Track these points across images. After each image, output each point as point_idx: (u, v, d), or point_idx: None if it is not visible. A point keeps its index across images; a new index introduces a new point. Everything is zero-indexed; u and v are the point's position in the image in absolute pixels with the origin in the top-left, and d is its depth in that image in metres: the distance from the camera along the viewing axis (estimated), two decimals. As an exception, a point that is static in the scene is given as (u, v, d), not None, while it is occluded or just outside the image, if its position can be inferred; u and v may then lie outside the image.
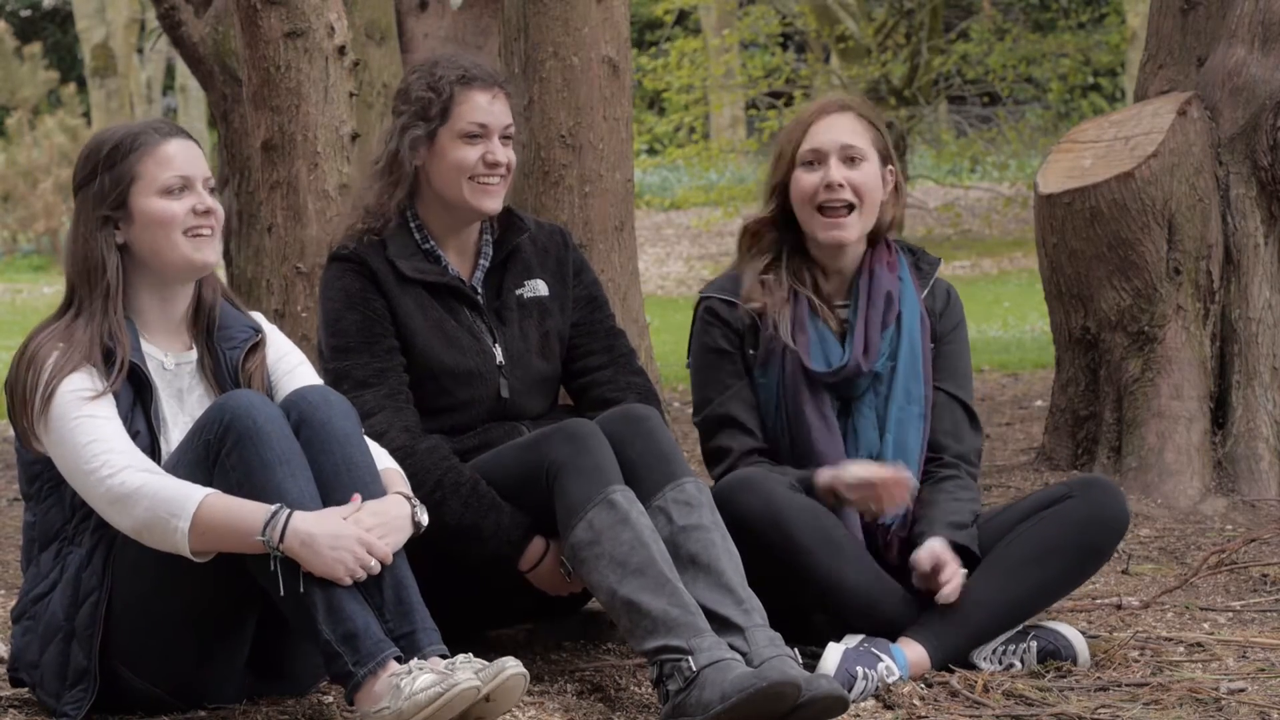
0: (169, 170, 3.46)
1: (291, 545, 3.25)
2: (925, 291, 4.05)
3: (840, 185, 3.92)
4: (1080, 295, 5.82)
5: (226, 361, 3.55)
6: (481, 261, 3.99)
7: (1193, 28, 6.02)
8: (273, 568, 3.25)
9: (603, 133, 5.47)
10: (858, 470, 3.82)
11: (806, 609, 3.87)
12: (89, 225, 3.45)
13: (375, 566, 3.30)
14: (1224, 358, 5.81)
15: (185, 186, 3.47)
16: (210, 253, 3.49)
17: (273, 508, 3.26)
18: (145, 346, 3.49)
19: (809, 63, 22.21)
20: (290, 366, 3.63)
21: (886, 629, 3.77)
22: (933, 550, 3.77)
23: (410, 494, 3.46)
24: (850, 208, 3.93)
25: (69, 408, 3.35)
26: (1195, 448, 5.66)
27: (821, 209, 3.94)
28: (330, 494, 3.37)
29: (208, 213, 3.47)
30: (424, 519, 3.42)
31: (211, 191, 3.52)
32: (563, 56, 5.43)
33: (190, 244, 3.47)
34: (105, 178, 3.45)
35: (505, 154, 3.90)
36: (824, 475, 3.85)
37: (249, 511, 3.27)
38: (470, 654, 3.28)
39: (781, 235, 4.03)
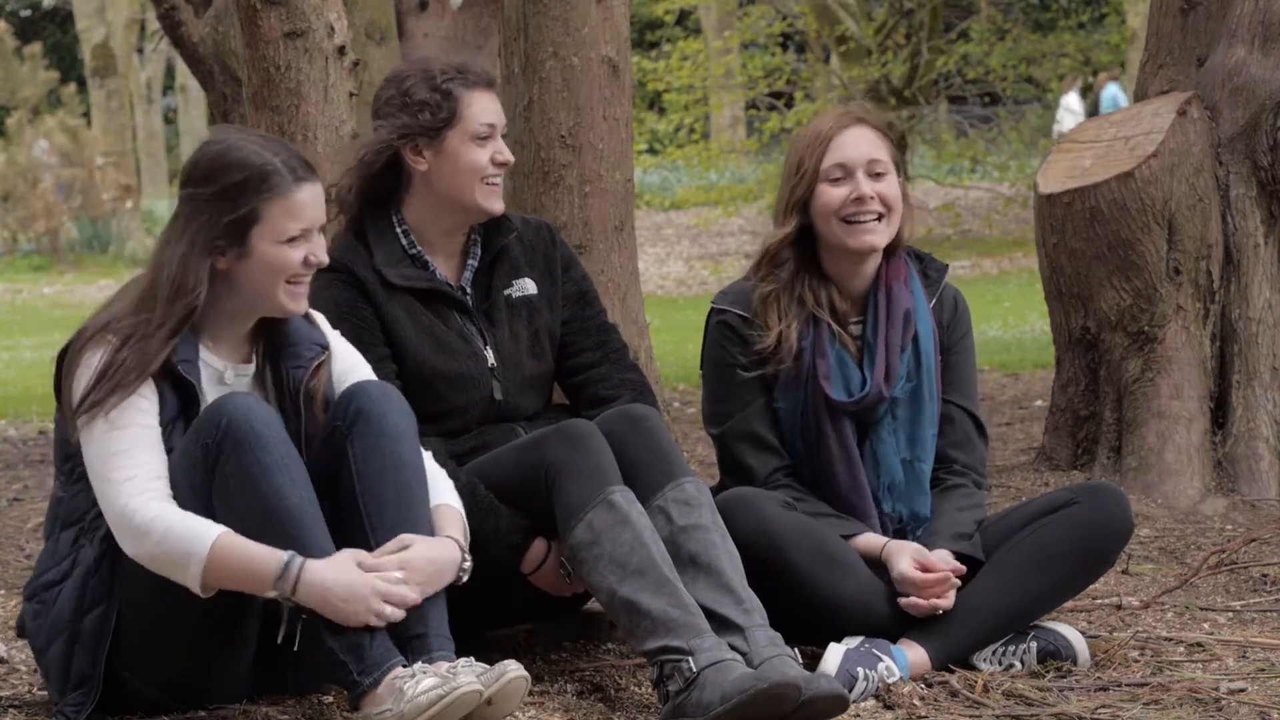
0: (297, 222, 3.38)
1: (304, 598, 3.23)
2: (934, 300, 4.02)
3: (871, 198, 3.90)
4: (1080, 295, 5.82)
5: (289, 380, 3.49)
6: (470, 262, 3.98)
7: (1193, 28, 6.02)
8: (285, 617, 3.25)
9: (603, 133, 5.46)
10: (906, 569, 3.77)
11: (807, 622, 3.85)
12: (195, 243, 3.36)
13: (397, 615, 3.27)
14: (1224, 358, 5.81)
15: (305, 236, 3.41)
16: (303, 302, 3.44)
17: (285, 556, 3.23)
18: (205, 355, 3.44)
19: (809, 63, 22.21)
20: (359, 379, 3.54)
21: (887, 635, 3.76)
22: (929, 558, 3.78)
23: (464, 540, 3.41)
24: (879, 217, 3.92)
25: (109, 412, 3.31)
26: (1195, 448, 5.66)
27: (848, 219, 3.92)
28: (370, 489, 3.35)
29: (316, 264, 3.43)
30: (469, 567, 3.38)
31: (321, 232, 3.45)
32: (563, 56, 5.42)
33: (288, 293, 3.41)
34: (226, 204, 3.35)
35: (509, 152, 3.92)
36: (867, 542, 3.84)
37: (261, 561, 3.23)
38: (471, 658, 3.27)
39: (797, 252, 4.00)
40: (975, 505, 3.94)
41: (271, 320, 3.49)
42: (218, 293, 3.41)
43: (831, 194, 3.92)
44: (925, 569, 3.76)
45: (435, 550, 3.34)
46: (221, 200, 3.35)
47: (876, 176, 3.92)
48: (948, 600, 3.75)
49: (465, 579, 3.39)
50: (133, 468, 3.29)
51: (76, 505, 3.45)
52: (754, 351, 3.93)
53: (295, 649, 3.25)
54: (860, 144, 3.93)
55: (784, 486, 3.91)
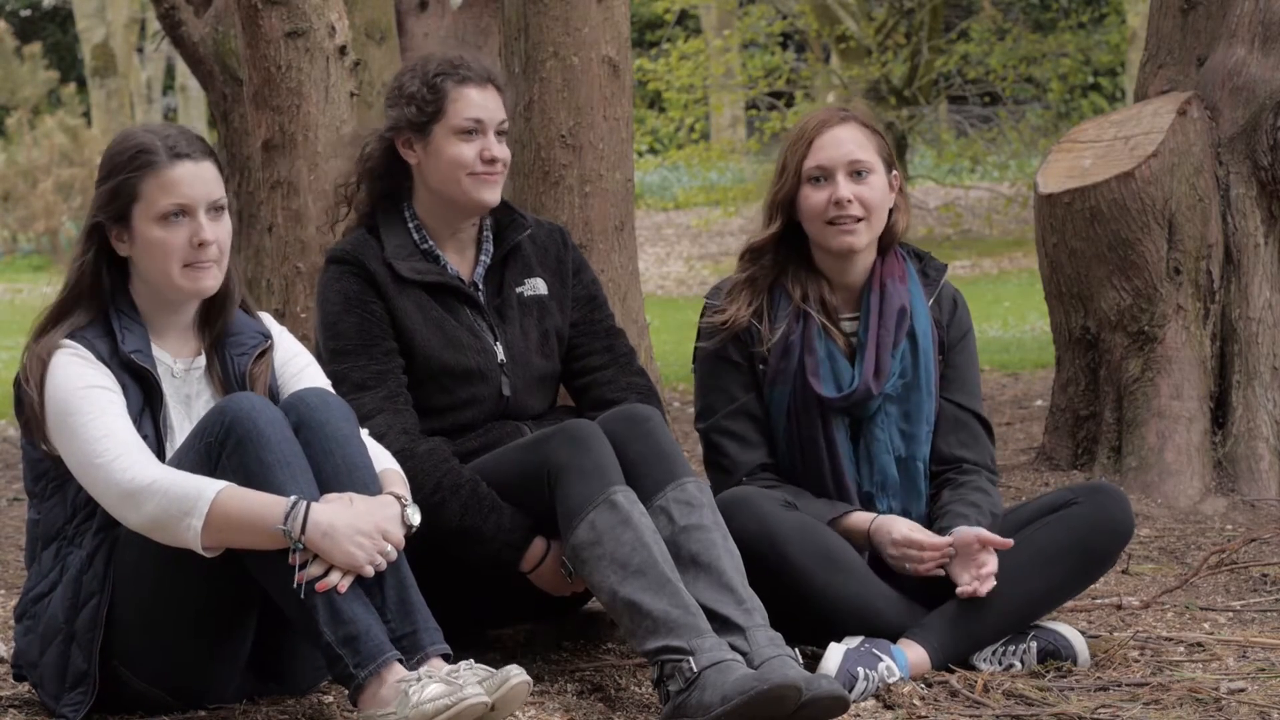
0: (169, 197, 3.39)
1: (313, 537, 3.23)
2: (932, 300, 4.02)
3: (849, 201, 3.89)
4: (1080, 295, 5.82)
5: (234, 369, 3.53)
6: (482, 258, 3.99)
7: (1193, 28, 6.02)
8: (291, 560, 3.24)
9: (603, 133, 5.47)
10: (905, 530, 3.79)
11: (808, 622, 3.85)
12: (89, 227, 3.43)
13: (393, 554, 3.29)
14: (1224, 358, 5.81)
15: (184, 213, 3.40)
16: (210, 280, 3.42)
17: (289, 499, 3.25)
18: (155, 351, 3.47)
19: (809, 63, 22.21)
20: (298, 369, 3.61)
21: (887, 636, 3.76)
22: (974, 534, 3.74)
23: (403, 495, 3.43)
24: (860, 219, 3.92)
25: (81, 404, 3.34)
26: (1195, 448, 5.66)
27: (829, 221, 3.93)
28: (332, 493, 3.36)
29: (205, 244, 3.40)
30: (415, 520, 3.39)
31: (219, 211, 3.44)
32: (563, 56, 5.43)
33: (187, 276, 3.41)
34: (109, 186, 3.41)
35: (501, 150, 3.90)
36: (858, 520, 3.84)
37: (266, 504, 3.25)
38: (472, 660, 3.26)
39: (784, 250, 4.00)
40: (992, 502, 3.93)
41: (214, 312, 3.52)
42: (136, 280, 3.46)
43: (813, 198, 3.92)
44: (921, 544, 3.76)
45: (374, 505, 3.34)
46: (108, 180, 3.41)
47: (857, 176, 3.91)
48: (990, 581, 3.72)
49: (414, 529, 3.38)
50: (119, 445, 3.31)
51: (53, 521, 3.46)
52: (743, 337, 3.93)
53: (303, 597, 3.24)
54: (842, 144, 3.92)
55: (761, 480, 3.90)
